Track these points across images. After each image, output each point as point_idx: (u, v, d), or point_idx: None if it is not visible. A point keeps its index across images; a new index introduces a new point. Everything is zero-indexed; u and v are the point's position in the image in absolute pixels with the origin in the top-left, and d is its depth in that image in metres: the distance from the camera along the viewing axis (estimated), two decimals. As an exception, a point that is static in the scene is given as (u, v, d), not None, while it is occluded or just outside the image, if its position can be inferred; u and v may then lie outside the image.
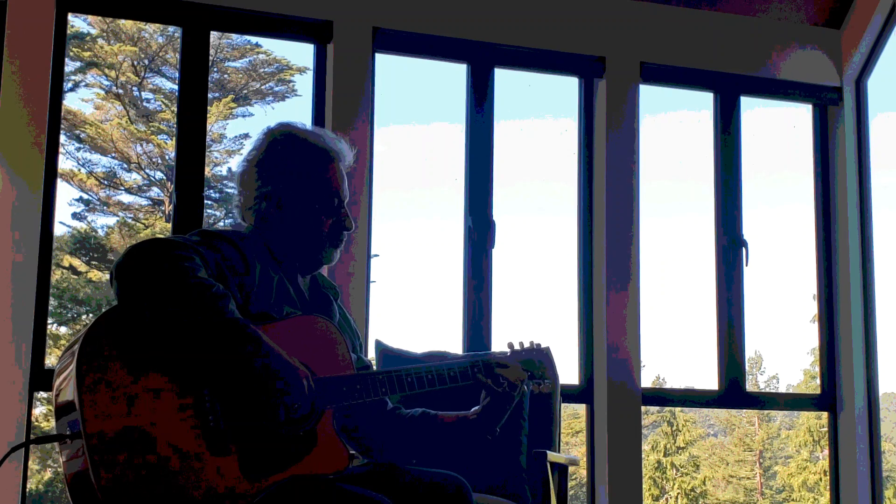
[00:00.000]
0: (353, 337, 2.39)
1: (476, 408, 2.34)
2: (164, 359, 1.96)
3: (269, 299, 2.16)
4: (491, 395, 2.32)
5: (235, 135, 16.16)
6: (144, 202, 15.81)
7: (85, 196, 15.44)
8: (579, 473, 13.04)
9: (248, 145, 2.39)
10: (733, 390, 4.52)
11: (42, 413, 13.52)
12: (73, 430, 1.91)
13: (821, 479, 22.67)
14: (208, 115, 7.68)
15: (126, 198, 15.63)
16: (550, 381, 2.42)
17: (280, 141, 2.32)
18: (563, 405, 3.65)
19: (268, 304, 2.15)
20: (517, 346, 2.42)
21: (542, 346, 2.44)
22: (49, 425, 14.46)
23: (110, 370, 1.91)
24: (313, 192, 2.28)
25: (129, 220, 15.53)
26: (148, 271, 1.94)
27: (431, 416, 2.37)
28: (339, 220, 2.31)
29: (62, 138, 4.36)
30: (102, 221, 15.52)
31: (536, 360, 2.40)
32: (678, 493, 23.41)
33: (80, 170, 15.28)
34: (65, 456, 1.95)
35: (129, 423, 1.89)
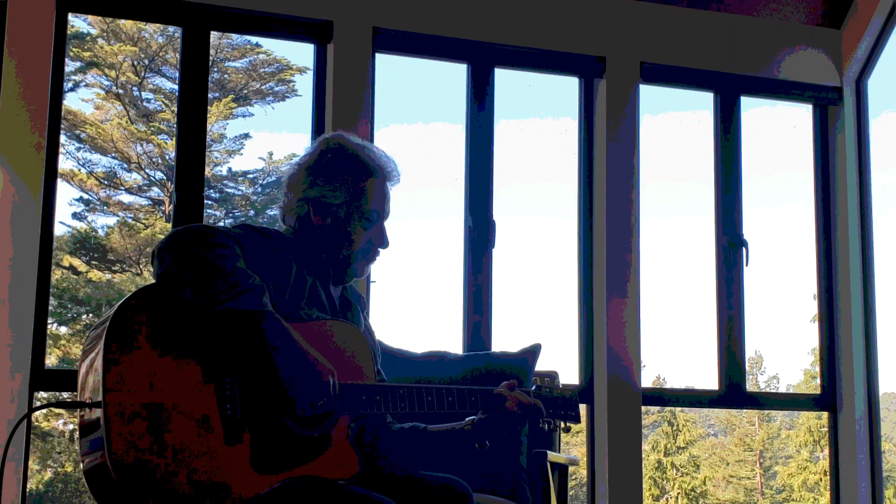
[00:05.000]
0: (374, 347, 2.40)
1: (471, 418, 2.32)
2: (192, 343, 1.98)
3: (301, 300, 2.19)
4: (497, 415, 2.30)
5: (235, 135, 16.16)
6: (144, 202, 15.81)
7: (85, 196, 15.44)
8: (579, 473, 13.03)
9: (302, 151, 2.43)
10: (733, 390, 4.52)
11: (42, 413, 13.51)
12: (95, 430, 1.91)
13: (821, 479, 22.66)
14: (208, 115, 7.67)
15: (126, 198, 15.63)
16: (574, 424, 2.42)
17: (332, 150, 2.35)
18: (563, 405, 3.64)
19: (299, 305, 2.18)
20: (541, 383, 2.42)
21: (571, 395, 2.44)
22: (49, 425, 14.45)
23: (138, 346, 1.94)
24: (353, 205, 2.30)
25: (130, 220, 15.51)
26: (188, 255, 1.98)
27: (420, 430, 2.36)
28: (376, 237, 2.34)
29: (62, 138, 4.36)
30: (102, 221, 15.53)
31: (562, 407, 2.40)
32: (678, 493, 23.41)
33: (80, 170, 15.27)
34: (83, 451, 1.98)
35: (150, 399, 1.92)
